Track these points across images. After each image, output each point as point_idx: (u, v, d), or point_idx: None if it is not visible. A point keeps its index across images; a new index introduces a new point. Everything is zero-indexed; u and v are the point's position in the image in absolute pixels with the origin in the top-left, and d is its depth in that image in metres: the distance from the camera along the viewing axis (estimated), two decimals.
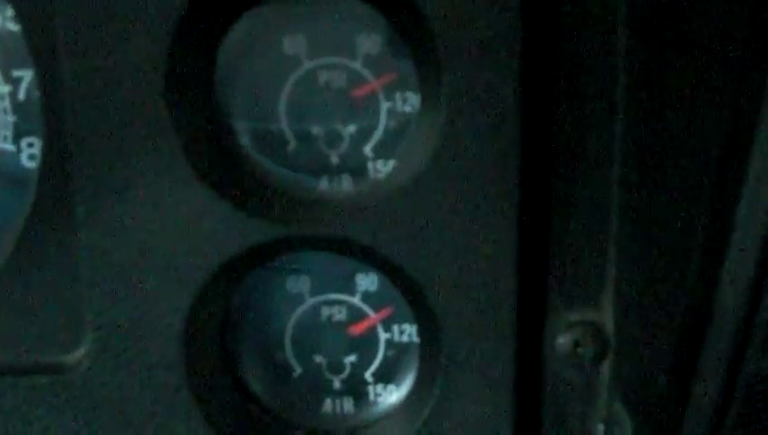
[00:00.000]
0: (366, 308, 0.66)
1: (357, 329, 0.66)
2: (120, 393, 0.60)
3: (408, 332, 0.66)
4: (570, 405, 0.63)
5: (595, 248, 0.61)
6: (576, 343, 0.62)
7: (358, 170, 0.63)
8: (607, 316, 0.62)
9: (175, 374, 0.59)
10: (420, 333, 0.64)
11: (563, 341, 0.62)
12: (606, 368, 0.62)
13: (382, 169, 0.63)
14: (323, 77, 0.62)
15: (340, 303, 0.66)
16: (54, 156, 0.58)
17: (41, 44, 0.56)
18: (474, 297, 0.59)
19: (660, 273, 0.58)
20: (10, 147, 0.63)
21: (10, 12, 0.61)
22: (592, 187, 0.60)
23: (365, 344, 0.67)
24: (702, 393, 0.55)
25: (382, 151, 0.63)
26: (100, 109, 0.56)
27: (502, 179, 0.58)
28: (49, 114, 0.57)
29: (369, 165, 0.63)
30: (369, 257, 0.60)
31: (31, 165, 0.63)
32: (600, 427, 0.63)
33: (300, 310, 0.66)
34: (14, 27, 0.61)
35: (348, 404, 0.68)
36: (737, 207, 0.51)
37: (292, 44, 0.61)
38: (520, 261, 0.59)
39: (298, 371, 0.67)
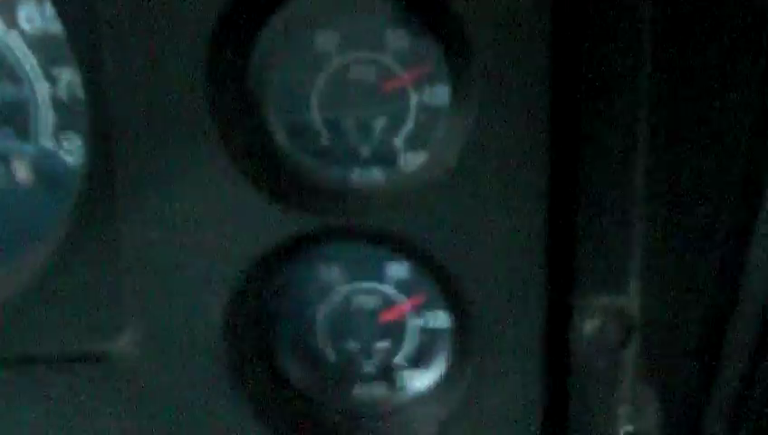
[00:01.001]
0: (397, 295, 0.68)
1: (388, 316, 0.68)
2: (161, 381, 0.62)
3: (440, 318, 0.68)
4: (596, 389, 0.65)
5: (622, 235, 0.62)
6: (602, 329, 0.64)
7: (389, 162, 0.65)
8: (633, 302, 0.64)
9: (215, 362, 0.61)
10: (452, 319, 0.66)
11: (590, 326, 0.64)
12: (631, 352, 0.64)
13: (413, 161, 0.64)
14: (354, 71, 0.63)
15: (371, 291, 0.68)
16: (97, 151, 0.60)
17: (83, 43, 0.58)
18: (504, 285, 0.61)
19: (687, 258, 0.59)
20: (51, 143, 0.65)
21: (49, 11, 0.63)
22: (619, 174, 0.61)
23: (397, 331, 0.69)
24: (727, 378, 0.57)
25: (413, 144, 0.64)
26: (142, 105, 0.58)
27: (531, 170, 0.59)
28: (92, 111, 0.59)
29: (400, 157, 0.65)
30: (401, 247, 0.62)
31: (70, 161, 0.65)
32: (626, 410, 0.65)
33: (332, 298, 0.68)
34: (53, 27, 0.63)
35: (379, 389, 0.69)
36: (764, 192, 0.53)
37: (324, 40, 0.63)
38: (549, 249, 0.61)
39: (331, 357, 0.69)
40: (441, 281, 0.63)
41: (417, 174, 0.63)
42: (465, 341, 0.63)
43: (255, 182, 0.59)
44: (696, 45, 0.56)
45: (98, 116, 0.59)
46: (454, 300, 0.63)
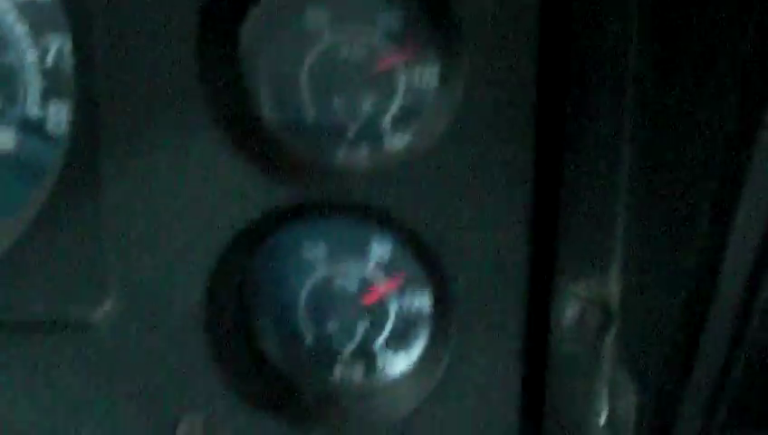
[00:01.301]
0: (378, 277, 0.68)
1: (369, 298, 0.68)
2: (140, 350, 0.62)
3: (419, 301, 0.68)
4: (575, 374, 0.65)
5: (603, 222, 0.63)
6: (582, 315, 0.64)
7: (375, 141, 0.65)
8: (613, 289, 0.64)
9: (195, 331, 0.61)
10: (432, 299, 0.66)
11: (569, 312, 0.64)
12: (610, 339, 0.65)
13: (399, 140, 0.64)
14: (344, 50, 0.64)
15: (353, 271, 0.68)
16: (84, 118, 0.60)
17: (76, 10, 0.58)
18: (486, 264, 0.61)
19: (666, 247, 0.60)
20: (37, 112, 0.65)
21: None
22: (602, 160, 0.62)
23: (376, 313, 0.69)
24: (704, 365, 0.57)
25: (399, 124, 0.64)
26: (131, 72, 0.58)
27: (516, 151, 0.60)
28: (80, 77, 0.59)
29: (387, 137, 0.65)
30: (385, 222, 0.62)
31: (56, 130, 0.65)
32: (604, 394, 0.65)
33: (314, 277, 0.68)
34: None
35: (358, 370, 0.69)
36: (742, 184, 0.53)
37: (314, 18, 0.63)
38: (531, 232, 0.61)
39: (310, 337, 0.69)
40: (423, 258, 0.63)
41: (403, 153, 0.63)
42: (444, 321, 0.64)
43: (242, 154, 0.59)
44: (683, 33, 0.57)
45: (85, 82, 0.59)
46: (435, 278, 0.63)
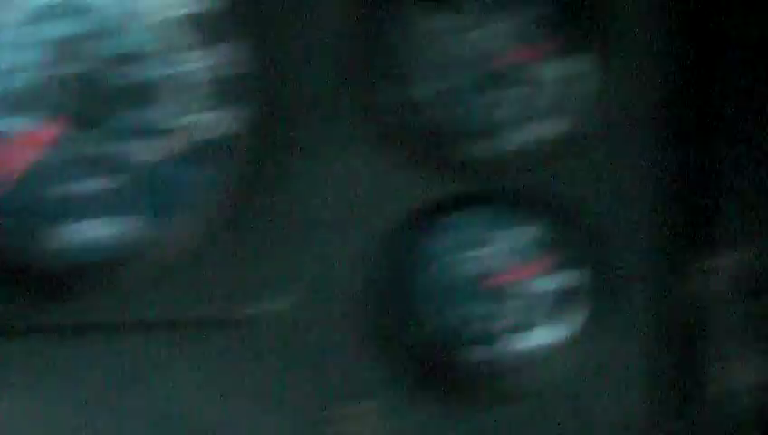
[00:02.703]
0: (511, 262, 0.71)
1: (501, 280, 0.71)
2: (307, 336, 0.66)
3: (567, 281, 0.71)
4: (720, 340, 0.68)
5: (756, 195, 0.65)
6: (736, 281, 0.67)
7: (525, 131, 0.68)
8: (760, 257, 0.67)
9: (356, 320, 0.66)
10: (588, 275, 0.69)
11: (717, 281, 0.67)
12: (762, 303, 0.67)
13: (551, 126, 0.68)
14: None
15: (487, 257, 0.71)
16: (253, 123, 0.63)
17: (247, 20, 0.62)
18: (635, 241, 0.64)
19: None
20: (209, 117, 0.69)
21: None
22: (748, 135, 0.64)
23: (509, 296, 0.72)
24: None
25: (551, 111, 0.68)
26: (292, 78, 0.61)
27: (656, 131, 0.62)
28: (254, 86, 0.62)
29: (533, 124, 0.68)
30: (536, 205, 0.65)
31: (227, 132, 0.69)
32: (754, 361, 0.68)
33: (470, 263, 0.71)
34: (215, 6, 0.66)
35: (514, 345, 0.73)
36: None
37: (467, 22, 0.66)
38: (674, 206, 0.64)
39: (472, 316, 0.72)
40: (574, 239, 0.66)
41: (551, 136, 0.67)
42: (596, 297, 0.66)
43: (399, 147, 0.63)
44: None
45: (258, 90, 0.62)
46: (591, 256, 0.66)
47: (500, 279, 0.72)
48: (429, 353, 0.72)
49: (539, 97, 0.68)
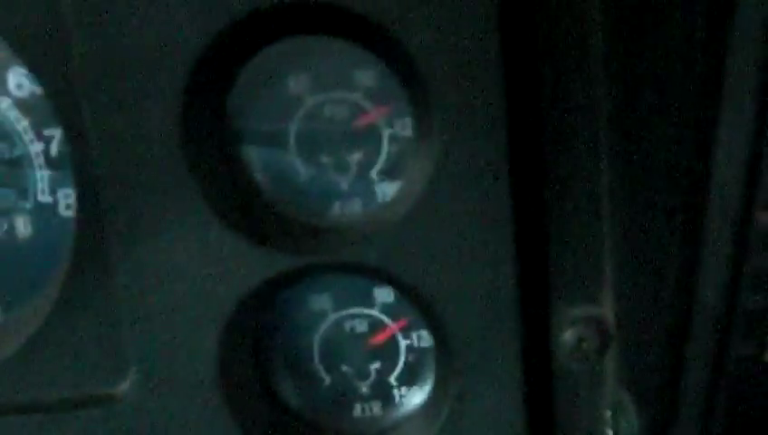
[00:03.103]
0: (385, 319, 0.71)
1: (378, 338, 0.72)
2: (164, 417, 0.66)
3: (426, 337, 0.71)
4: (578, 396, 0.68)
5: (592, 249, 0.65)
6: (580, 338, 0.67)
7: (366, 194, 0.68)
8: (607, 310, 0.67)
9: (213, 395, 0.65)
10: (434, 340, 0.69)
11: (568, 336, 0.67)
12: (610, 359, 0.67)
13: (389, 190, 0.68)
14: (328, 110, 0.67)
15: (361, 316, 0.71)
16: (87, 206, 0.63)
17: (64, 105, 0.62)
18: (480, 305, 0.64)
19: (649, 268, 0.62)
20: (48, 199, 0.69)
21: None
22: (584, 194, 0.64)
23: (387, 352, 0.72)
24: (692, 380, 0.59)
25: (388, 175, 0.68)
26: (123, 160, 0.61)
27: (497, 193, 0.62)
28: (78, 169, 0.63)
29: (377, 188, 0.68)
30: (382, 277, 0.65)
31: (68, 214, 0.69)
32: (608, 414, 0.68)
33: (324, 325, 0.71)
34: (40, 91, 0.67)
35: (376, 407, 0.73)
36: (709, 202, 0.56)
37: (296, 84, 0.66)
38: (521, 266, 0.64)
39: (327, 380, 0.72)
40: (420, 305, 0.66)
41: (392, 204, 0.66)
42: (447, 359, 0.67)
43: (236, 227, 0.63)
44: (647, 51, 0.59)
45: (84, 173, 0.63)
46: (433, 322, 0.66)
47: (358, 338, 0.72)
48: (292, 420, 0.72)
49: (381, 157, 0.68)
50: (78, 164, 0.63)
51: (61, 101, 0.62)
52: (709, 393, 0.60)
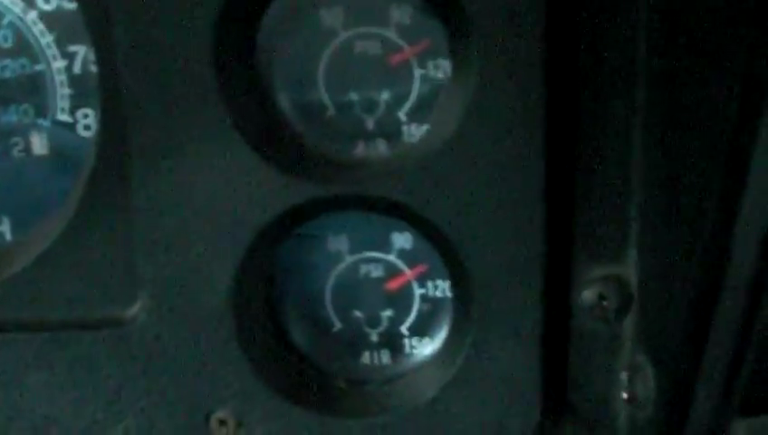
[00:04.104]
0: (401, 265, 0.70)
1: (393, 285, 0.70)
2: (173, 344, 0.64)
3: (442, 287, 0.70)
4: (595, 356, 0.66)
5: (619, 206, 0.64)
6: (601, 297, 0.65)
7: (393, 135, 0.66)
8: (631, 271, 0.65)
9: (224, 326, 0.64)
10: (453, 287, 0.67)
11: (589, 294, 0.66)
12: (629, 320, 0.66)
13: (416, 132, 0.66)
14: (359, 46, 0.65)
15: (377, 260, 0.70)
16: (110, 125, 0.62)
17: (96, 20, 0.60)
18: (503, 253, 0.62)
19: (679, 229, 0.61)
20: (67, 118, 0.68)
21: None
22: (616, 148, 0.63)
23: (401, 299, 0.71)
24: (716, 348, 0.58)
25: (416, 116, 0.66)
26: (153, 80, 0.60)
27: (529, 141, 0.61)
28: (105, 85, 0.61)
29: (404, 129, 0.66)
30: (405, 216, 0.64)
31: (86, 135, 0.68)
32: (624, 376, 0.66)
33: (339, 267, 0.70)
34: (68, 5, 0.65)
35: (385, 356, 0.72)
36: (746, 172, 0.54)
37: (329, 16, 0.65)
38: (547, 218, 0.63)
39: (338, 325, 0.71)
40: (442, 249, 0.65)
41: (420, 145, 0.65)
42: (464, 309, 0.65)
43: (262, 153, 0.61)
44: (689, 23, 0.57)
45: (110, 90, 0.61)
46: (454, 268, 0.65)
47: (372, 283, 0.70)
48: (299, 360, 0.71)
49: (410, 98, 0.66)
50: (104, 80, 0.61)
51: (93, 14, 0.60)
52: (734, 361, 0.58)
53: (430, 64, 0.65)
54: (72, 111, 0.68)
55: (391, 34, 0.65)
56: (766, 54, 0.51)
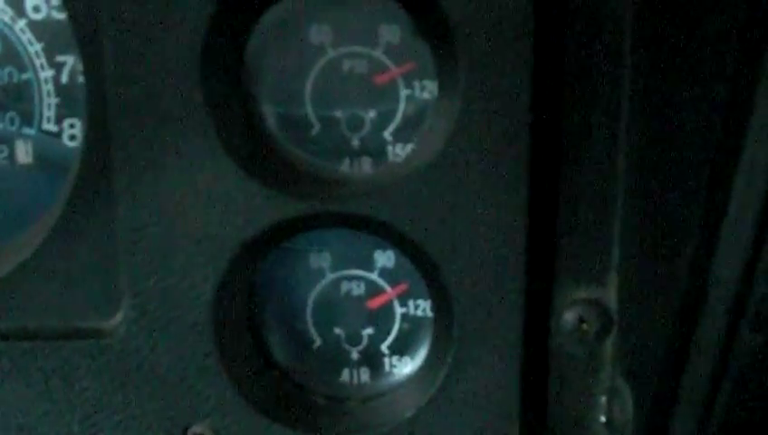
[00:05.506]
0: (383, 283, 0.70)
1: (374, 303, 0.70)
2: (153, 357, 0.64)
3: (423, 306, 0.70)
4: (574, 378, 0.66)
5: (601, 229, 0.64)
6: (581, 320, 0.66)
7: (378, 153, 0.67)
8: (612, 295, 0.66)
9: (204, 340, 0.64)
10: (434, 306, 0.68)
11: (569, 317, 0.66)
12: (609, 344, 0.66)
13: (401, 152, 0.66)
14: (347, 65, 0.66)
15: (358, 278, 0.70)
16: (96, 135, 0.62)
17: (85, 31, 0.60)
18: (485, 274, 0.63)
19: (660, 253, 0.61)
20: (53, 128, 0.68)
21: (55, 1, 0.65)
22: (600, 172, 0.63)
23: (382, 318, 0.71)
24: (697, 368, 0.58)
25: (401, 135, 0.66)
26: (140, 92, 0.60)
27: (513, 163, 0.61)
28: (92, 96, 0.61)
29: (389, 148, 0.67)
30: (387, 234, 0.64)
31: (72, 145, 0.68)
32: (602, 399, 0.66)
33: (321, 284, 0.70)
34: (58, 15, 0.65)
35: (364, 374, 0.72)
36: (732, 188, 0.55)
37: (318, 34, 0.65)
38: (529, 240, 0.63)
39: (318, 342, 0.71)
40: (423, 269, 0.65)
41: (404, 164, 0.65)
42: (445, 328, 0.65)
43: (247, 167, 0.61)
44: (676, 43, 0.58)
45: (97, 101, 0.61)
46: (435, 288, 0.65)
47: (353, 301, 0.71)
48: (279, 376, 0.71)
49: (396, 117, 0.66)
50: (91, 90, 0.61)
51: (81, 23, 0.60)
52: (712, 385, 0.58)
53: (416, 85, 0.66)
54: (59, 121, 0.68)
55: (379, 54, 0.65)
56: (750, 79, 0.52)
